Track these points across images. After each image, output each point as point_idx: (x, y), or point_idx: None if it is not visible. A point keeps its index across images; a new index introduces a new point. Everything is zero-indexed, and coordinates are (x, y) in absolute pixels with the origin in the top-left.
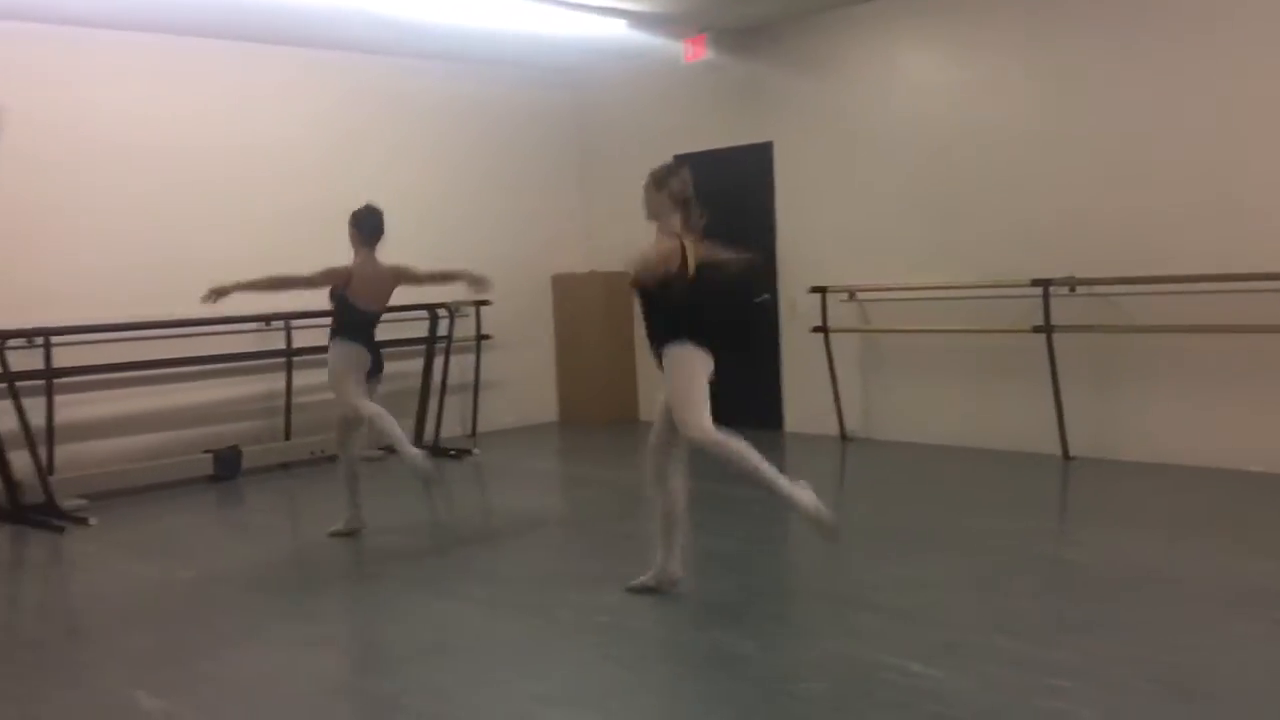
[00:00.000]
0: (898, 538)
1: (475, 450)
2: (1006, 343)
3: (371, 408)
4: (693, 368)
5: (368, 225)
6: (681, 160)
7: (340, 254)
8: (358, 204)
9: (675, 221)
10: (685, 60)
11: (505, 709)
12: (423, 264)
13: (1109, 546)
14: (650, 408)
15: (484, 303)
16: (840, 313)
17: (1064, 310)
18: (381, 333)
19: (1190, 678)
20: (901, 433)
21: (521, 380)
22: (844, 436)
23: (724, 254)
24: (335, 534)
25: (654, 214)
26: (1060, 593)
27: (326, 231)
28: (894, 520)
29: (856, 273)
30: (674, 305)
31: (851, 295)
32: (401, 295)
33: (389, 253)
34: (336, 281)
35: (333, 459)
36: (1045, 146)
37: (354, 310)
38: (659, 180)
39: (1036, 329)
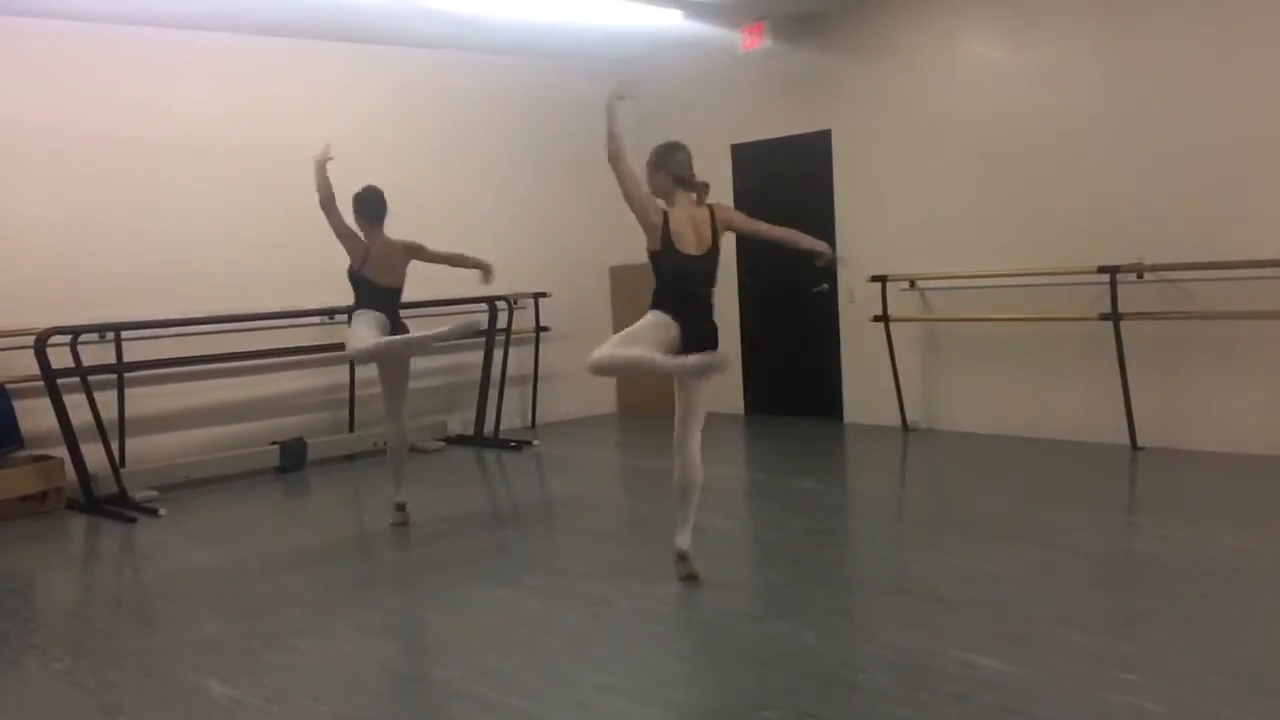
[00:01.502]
0: (961, 529)
1: (535, 441)
2: (1072, 331)
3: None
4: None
5: (367, 208)
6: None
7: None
8: (418, 197)
9: (676, 198)
10: (742, 49)
11: (567, 698)
12: (464, 250)
13: (1178, 538)
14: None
15: (542, 295)
16: (901, 302)
17: (1132, 297)
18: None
19: (1263, 672)
20: (964, 423)
21: (580, 371)
22: (905, 427)
23: (765, 228)
24: (398, 524)
25: (657, 191)
26: (1128, 585)
27: (388, 224)
28: (957, 511)
29: (917, 261)
30: (659, 276)
31: (912, 284)
32: (460, 288)
33: (449, 243)
34: (354, 248)
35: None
36: (1111, 131)
37: (372, 285)
38: (659, 159)
39: (1103, 316)
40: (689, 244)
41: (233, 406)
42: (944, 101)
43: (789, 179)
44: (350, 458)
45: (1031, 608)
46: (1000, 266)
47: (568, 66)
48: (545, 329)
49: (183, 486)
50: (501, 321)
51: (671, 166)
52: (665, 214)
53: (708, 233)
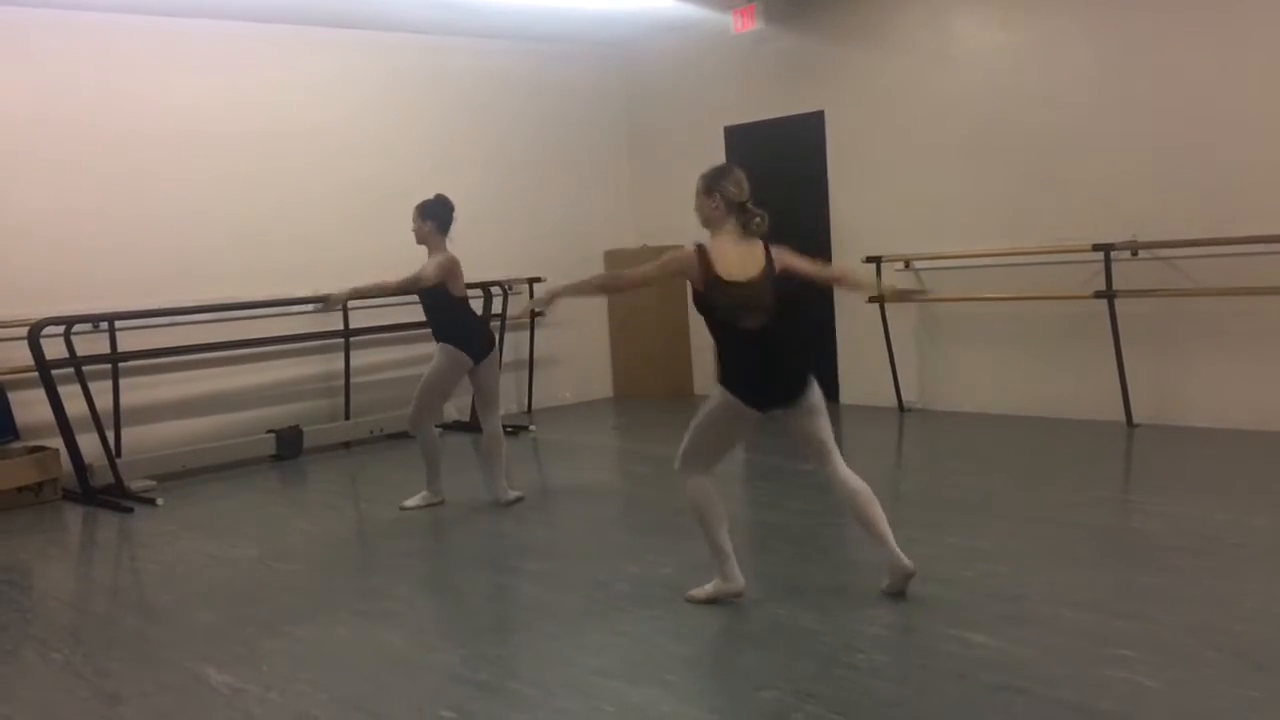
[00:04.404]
0: (958, 508)
1: (531, 426)
2: (1067, 309)
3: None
4: (712, 412)
5: (448, 216)
6: (734, 162)
7: (392, 231)
8: (411, 183)
9: (730, 229)
10: (734, 31)
11: (566, 682)
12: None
13: (1174, 514)
14: (705, 383)
15: (537, 279)
16: (896, 282)
17: (1126, 274)
18: None
19: (1258, 647)
20: (960, 403)
21: (576, 356)
22: (901, 408)
23: (800, 264)
24: (407, 508)
25: (706, 221)
26: (1124, 561)
27: (381, 210)
28: (954, 491)
29: (912, 242)
30: (718, 334)
31: (907, 264)
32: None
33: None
34: (452, 274)
35: (393, 437)
36: (1104, 108)
37: (456, 300)
38: (709, 184)
39: (1098, 294)
40: (734, 269)
41: (228, 395)
42: (937, 81)
43: (783, 161)
44: (347, 445)
45: (1028, 585)
46: (995, 246)
47: (560, 50)
48: (540, 314)
49: (179, 476)
50: (496, 307)
51: (725, 191)
52: (701, 246)
53: (757, 262)
